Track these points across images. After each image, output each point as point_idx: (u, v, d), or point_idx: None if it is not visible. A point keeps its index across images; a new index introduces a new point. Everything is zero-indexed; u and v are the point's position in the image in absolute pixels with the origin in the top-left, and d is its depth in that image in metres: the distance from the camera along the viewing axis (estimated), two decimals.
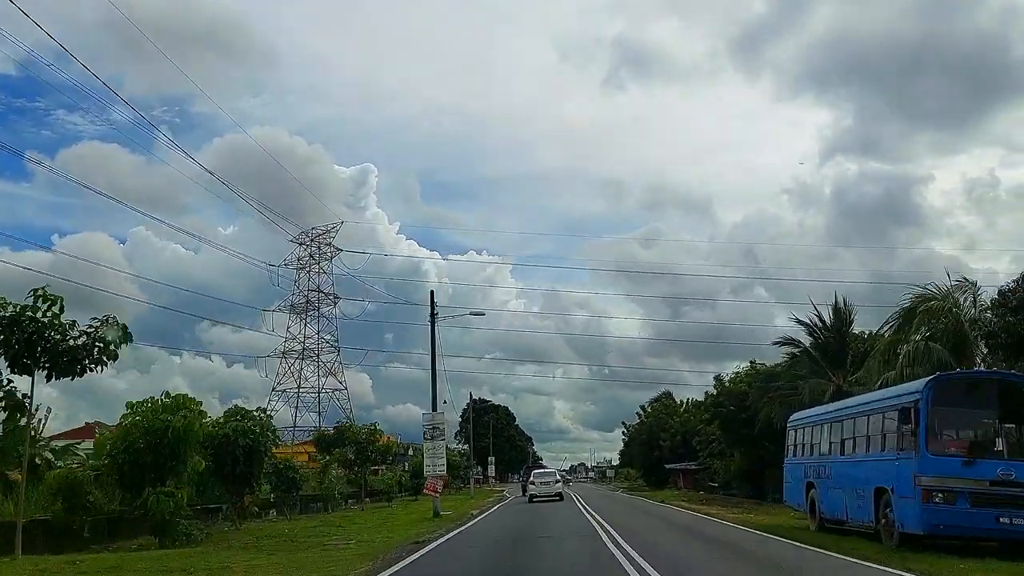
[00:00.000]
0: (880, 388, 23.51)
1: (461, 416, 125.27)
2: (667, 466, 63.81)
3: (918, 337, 25.31)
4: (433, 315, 32.47)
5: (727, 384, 46.45)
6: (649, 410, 69.41)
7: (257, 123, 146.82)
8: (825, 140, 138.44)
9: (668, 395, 71.74)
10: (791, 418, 23.19)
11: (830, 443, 18.92)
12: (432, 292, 34.99)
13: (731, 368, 53.12)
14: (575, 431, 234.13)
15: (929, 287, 25.77)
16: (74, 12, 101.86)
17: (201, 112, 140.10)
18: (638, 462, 74.50)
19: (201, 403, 21.75)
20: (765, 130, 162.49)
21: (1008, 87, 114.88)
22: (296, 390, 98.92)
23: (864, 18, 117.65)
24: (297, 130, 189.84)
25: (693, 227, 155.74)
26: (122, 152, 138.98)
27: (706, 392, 49.72)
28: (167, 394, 21.32)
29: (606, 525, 22.24)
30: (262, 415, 26.17)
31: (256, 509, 26.59)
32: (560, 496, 39.54)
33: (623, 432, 75.87)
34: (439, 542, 18.39)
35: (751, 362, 47.49)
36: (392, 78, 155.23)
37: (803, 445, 21.09)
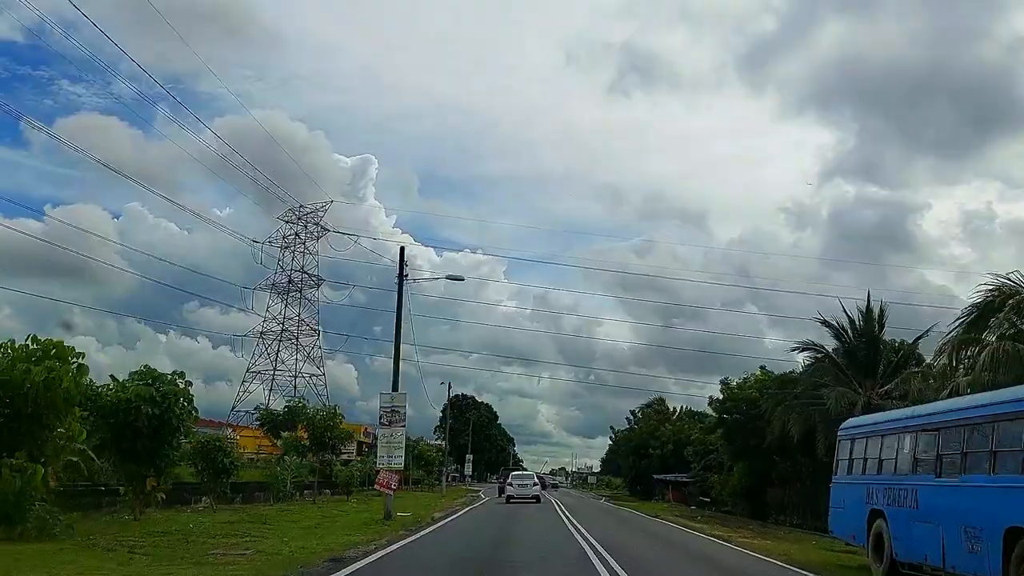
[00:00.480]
0: (947, 396, 18.70)
1: (441, 411, 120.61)
2: (656, 477, 58.80)
3: (993, 337, 20.53)
4: (402, 275, 27.23)
5: (735, 389, 41.38)
6: (640, 416, 64.36)
7: (259, 107, 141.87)
8: (826, 161, 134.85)
9: (661, 401, 66.79)
10: (845, 424, 18.12)
11: (914, 459, 13.87)
12: (402, 249, 30.11)
13: (715, 382, 48.29)
14: (558, 435, 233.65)
15: (1011, 276, 20.82)
16: None
17: (203, 91, 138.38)
18: (625, 470, 69.34)
19: (83, 354, 16.97)
20: (767, 147, 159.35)
21: (1012, 120, 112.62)
22: (271, 371, 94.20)
23: (872, 42, 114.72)
24: (300, 116, 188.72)
25: (688, 239, 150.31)
26: (120, 124, 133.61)
27: (711, 397, 44.68)
28: (34, 338, 16.39)
29: (597, 546, 17.31)
30: (177, 380, 20.95)
31: (162, 496, 21.36)
32: (537, 499, 39.72)
33: (611, 437, 70.91)
34: (367, 561, 13.16)
35: (761, 368, 42.53)
36: (399, 70, 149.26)
37: (864, 460, 16.01)
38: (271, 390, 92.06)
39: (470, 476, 75.86)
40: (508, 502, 38.79)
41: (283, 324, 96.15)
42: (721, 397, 42.87)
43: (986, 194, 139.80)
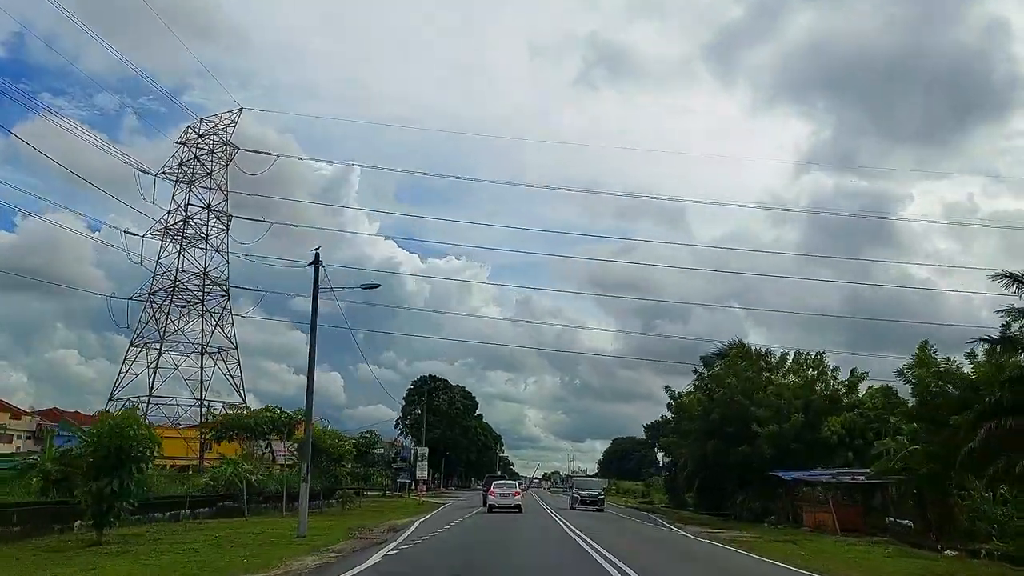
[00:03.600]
0: None
1: (404, 398, 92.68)
2: (783, 475, 30.93)
3: None
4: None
5: None
6: (719, 370, 36.63)
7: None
8: (801, 153, 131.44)
9: (743, 347, 39.30)
10: None
11: None
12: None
13: None
14: (546, 439, 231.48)
15: None
16: None
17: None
18: (686, 468, 41.38)
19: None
20: (744, 140, 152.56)
21: (990, 106, 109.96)
22: (158, 343, 67.29)
23: (844, 30, 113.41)
24: (282, 125, 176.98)
25: (668, 238, 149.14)
26: None
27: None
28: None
29: None
30: None
31: None
32: (519, 508, 36.37)
33: (669, 402, 41.70)
34: None
35: None
36: (381, 78, 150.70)
37: None
38: (156, 368, 65.42)
39: (426, 482, 48.00)
40: (490, 511, 35.29)
41: (175, 280, 69.89)
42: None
43: (969, 186, 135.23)
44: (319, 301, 21.65)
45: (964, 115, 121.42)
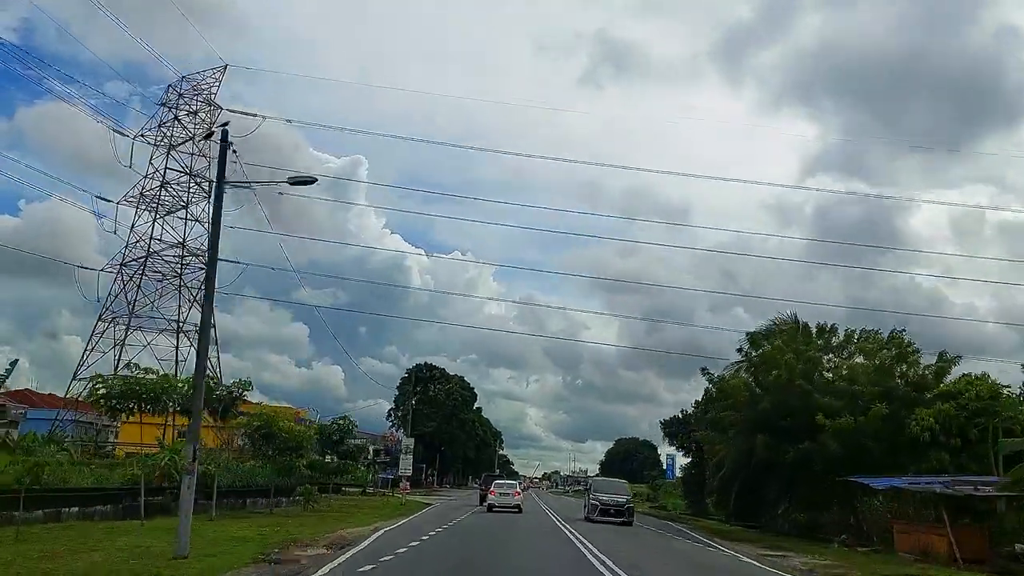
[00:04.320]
0: None
1: (397, 388, 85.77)
2: (870, 482, 23.61)
3: None
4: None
5: None
6: (769, 350, 29.49)
7: (251, 106, 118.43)
8: (808, 157, 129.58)
9: (794, 323, 32.15)
10: None
11: None
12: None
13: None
14: (547, 439, 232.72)
15: None
16: None
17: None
18: (721, 471, 34.17)
19: None
20: (750, 143, 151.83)
21: (1001, 112, 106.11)
22: (127, 316, 61.57)
23: (853, 33, 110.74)
24: (290, 118, 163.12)
25: (673, 239, 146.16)
26: None
27: None
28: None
29: None
30: None
31: None
32: (519, 508, 36.34)
33: (707, 387, 33.80)
34: None
35: None
36: (389, 73, 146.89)
37: None
38: (122, 346, 59.74)
39: (408, 478, 40.79)
40: (490, 511, 34.98)
41: (148, 248, 63.98)
42: None
43: (977, 195, 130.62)
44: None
45: (973, 121, 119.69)
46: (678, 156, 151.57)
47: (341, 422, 35.48)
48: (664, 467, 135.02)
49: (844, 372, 28.10)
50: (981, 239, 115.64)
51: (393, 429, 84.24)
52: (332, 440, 35.13)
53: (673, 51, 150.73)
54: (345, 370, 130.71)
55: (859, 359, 29.09)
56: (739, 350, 32.46)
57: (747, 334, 32.20)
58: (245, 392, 25.65)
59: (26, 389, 72.62)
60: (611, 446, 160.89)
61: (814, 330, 30.06)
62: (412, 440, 41.84)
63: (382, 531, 20.30)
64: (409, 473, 41.25)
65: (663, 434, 53.79)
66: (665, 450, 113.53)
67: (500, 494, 36.96)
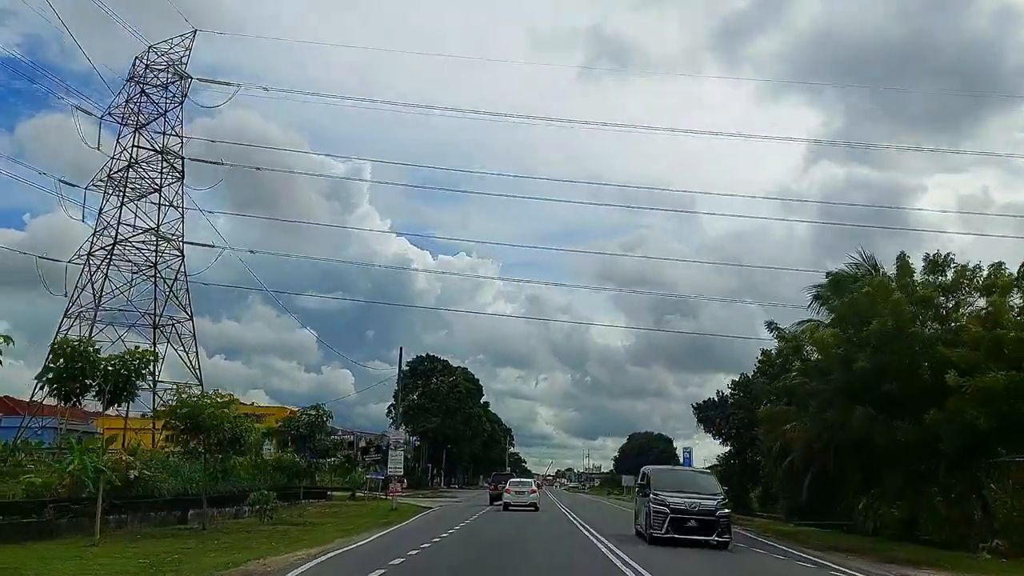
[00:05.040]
0: None
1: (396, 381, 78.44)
2: None
3: None
4: None
5: None
6: (864, 291, 21.99)
7: (253, 112, 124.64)
8: (812, 144, 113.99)
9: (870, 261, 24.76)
10: None
11: None
12: None
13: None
14: (558, 437, 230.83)
15: None
16: None
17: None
18: (801, 446, 26.39)
19: None
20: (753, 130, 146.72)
21: (1002, 95, 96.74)
22: (94, 307, 55.86)
23: (853, 18, 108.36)
24: (292, 123, 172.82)
25: (679, 232, 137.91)
26: None
27: None
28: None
29: None
30: None
31: None
32: (535, 507, 36.22)
33: (778, 337, 25.35)
34: None
35: None
36: (389, 76, 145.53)
37: None
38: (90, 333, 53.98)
39: (400, 478, 33.42)
40: (506, 509, 34.86)
41: (115, 235, 58.14)
42: None
43: (983, 179, 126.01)
44: None
45: (976, 104, 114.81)
46: (680, 149, 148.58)
47: (312, 412, 28.35)
48: (680, 461, 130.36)
49: (966, 317, 20.76)
50: (986, 220, 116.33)
51: (393, 427, 77.40)
52: (301, 435, 28.00)
53: (670, 43, 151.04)
54: (355, 373, 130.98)
55: (980, 301, 21.80)
56: (816, 298, 25.13)
57: (827, 275, 24.89)
58: (146, 367, 18.61)
59: (5, 396, 66.50)
60: (624, 441, 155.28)
61: (919, 266, 22.67)
62: (404, 434, 34.90)
63: (326, 557, 13.18)
64: (400, 472, 34.14)
65: (696, 419, 46.58)
66: (681, 444, 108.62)
67: (516, 492, 37.25)
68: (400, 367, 35.70)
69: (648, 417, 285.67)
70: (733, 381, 46.54)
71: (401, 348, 33.93)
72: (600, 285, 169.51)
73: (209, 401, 19.90)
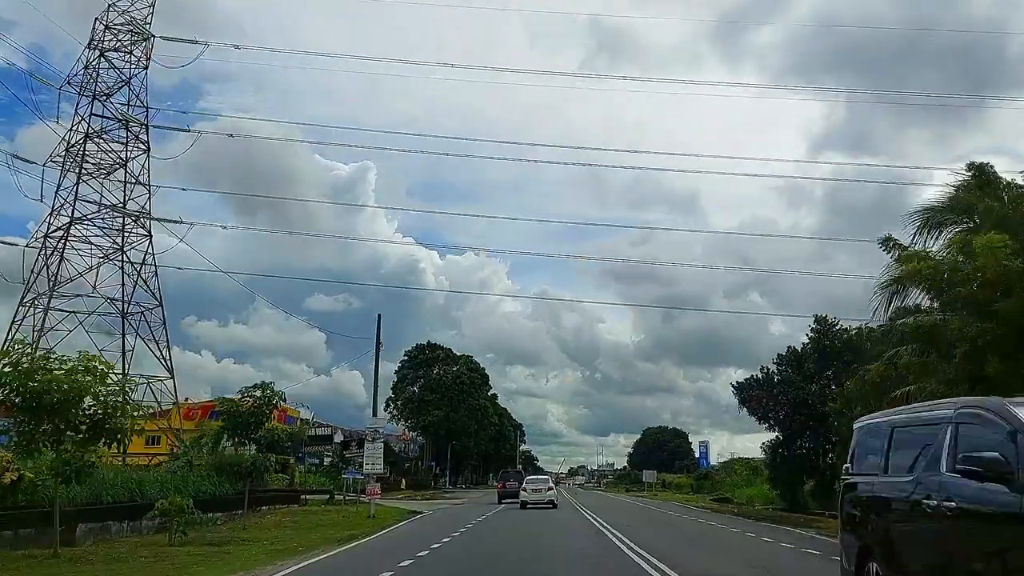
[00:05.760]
0: None
1: (395, 372, 72.00)
2: None
3: None
4: None
5: None
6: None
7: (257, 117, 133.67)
8: (814, 135, 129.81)
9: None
10: None
11: None
12: None
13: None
14: (569, 434, 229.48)
15: None
16: None
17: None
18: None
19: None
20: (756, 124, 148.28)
21: (1006, 81, 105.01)
22: (47, 297, 49.45)
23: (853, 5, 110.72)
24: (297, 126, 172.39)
25: (683, 226, 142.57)
26: None
27: None
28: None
29: None
30: None
31: None
32: (553, 504, 35.99)
33: (898, 258, 18.78)
34: None
35: None
36: (394, 77, 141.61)
37: None
38: (39, 332, 48.16)
39: (381, 478, 26.71)
40: (523, 507, 34.68)
41: (72, 213, 52.19)
42: None
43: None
44: None
45: (979, 91, 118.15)
46: (682, 142, 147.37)
47: (255, 394, 21.65)
48: (697, 456, 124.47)
49: None
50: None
51: (394, 423, 70.66)
52: (248, 423, 21.33)
53: (670, 35, 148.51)
54: (364, 376, 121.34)
55: None
56: (925, 222, 18.12)
57: (968, 165, 17.84)
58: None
59: None
60: (638, 437, 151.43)
61: None
62: (384, 421, 28.45)
63: None
64: (379, 471, 27.47)
65: (737, 400, 39.66)
66: (701, 438, 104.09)
67: (532, 490, 37.24)
68: (377, 339, 28.76)
69: (658, 413, 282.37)
70: (779, 355, 39.61)
71: (380, 315, 27.49)
72: (608, 280, 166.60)
73: (64, 366, 13.27)
